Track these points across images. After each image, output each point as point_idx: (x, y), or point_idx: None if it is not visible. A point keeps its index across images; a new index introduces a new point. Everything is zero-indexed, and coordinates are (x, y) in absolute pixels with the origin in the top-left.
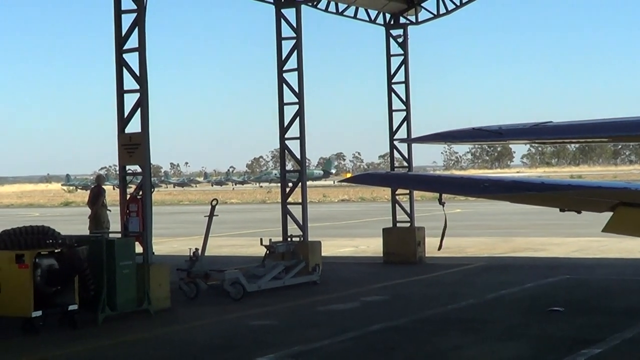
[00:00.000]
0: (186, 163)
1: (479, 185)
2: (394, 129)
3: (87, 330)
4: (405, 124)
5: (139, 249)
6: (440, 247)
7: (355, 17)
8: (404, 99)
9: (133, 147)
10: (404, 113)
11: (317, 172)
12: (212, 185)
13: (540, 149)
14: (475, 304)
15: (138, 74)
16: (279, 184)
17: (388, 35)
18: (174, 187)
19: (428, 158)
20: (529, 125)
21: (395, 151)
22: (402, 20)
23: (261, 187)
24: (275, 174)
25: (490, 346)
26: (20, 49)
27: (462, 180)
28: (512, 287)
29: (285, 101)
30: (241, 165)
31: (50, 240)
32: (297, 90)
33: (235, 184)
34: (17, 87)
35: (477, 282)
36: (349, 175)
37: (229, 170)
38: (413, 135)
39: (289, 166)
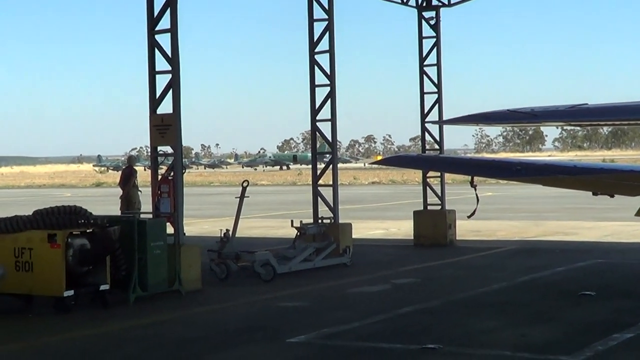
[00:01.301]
0: (217, 144)
1: (511, 168)
2: (426, 112)
3: (118, 310)
4: (437, 106)
5: (169, 229)
6: (471, 216)
7: None
8: (436, 82)
9: (165, 128)
10: (436, 96)
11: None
12: (242, 167)
13: (572, 132)
14: (506, 287)
15: (170, 55)
16: (276, 167)
17: (420, 17)
18: (204, 168)
19: (459, 141)
20: (563, 107)
21: (426, 134)
22: (434, 2)
23: (255, 169)
24: (270, 157)
25: (521, 330)
26: (52, 30)
27: (494, 163)
28: (543, 271)
29: (316, 83)
30: (272, 146)
31: (83, 220)
32: (328, 72)
33: (266, 166)
34: (49, 68)
35: (507, 265)
36: (379, 157)
37: (259, 151)
38: (444, 118)
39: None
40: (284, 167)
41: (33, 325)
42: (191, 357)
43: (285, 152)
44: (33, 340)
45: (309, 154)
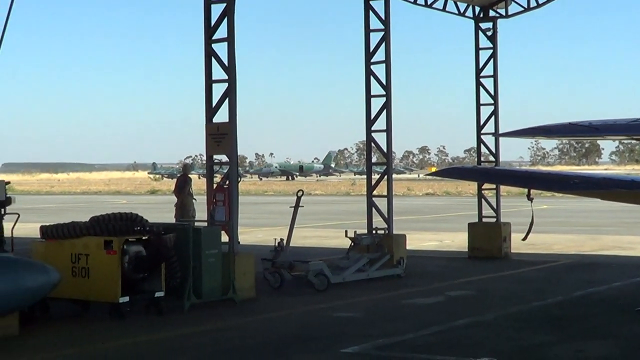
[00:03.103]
0: (271, 154)
1: (569, 181)
2: (482, 123)
3: (172, 317)
4: (492, 118)
5: (224, 238)
6: (525, 238)
7: (444, 9)
8: (492, 93)
9: (220, 136)
10: (492, 107)
11: (317, 166)
12: (318, 177)
13: (629, 145)
14: (561, 301)
15: (226, 64)
16: (282, 177)
17: (477, 28)
18: (259, 178)
19: (514, 153)
20: (624, 121)
21: (482, 145)
22: (491, 13)
23: (261, 179)
24: (276, 167)
25: (577, 344)
26: (109, 40)
27: (551, 176)
28: (599, 286)
29: (372, 93)
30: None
31: (138, 228)
32: (384, 82)
33: (320, 176)
34: (105, 77)
35: (563, 279)
36: (433, 169)
37: (313, 161)
38: (500, 130)
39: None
40: (290, 178)
41: (89, 330)
42: None
43: (292, 162)
44: (88, 346)
45: (315, 165)
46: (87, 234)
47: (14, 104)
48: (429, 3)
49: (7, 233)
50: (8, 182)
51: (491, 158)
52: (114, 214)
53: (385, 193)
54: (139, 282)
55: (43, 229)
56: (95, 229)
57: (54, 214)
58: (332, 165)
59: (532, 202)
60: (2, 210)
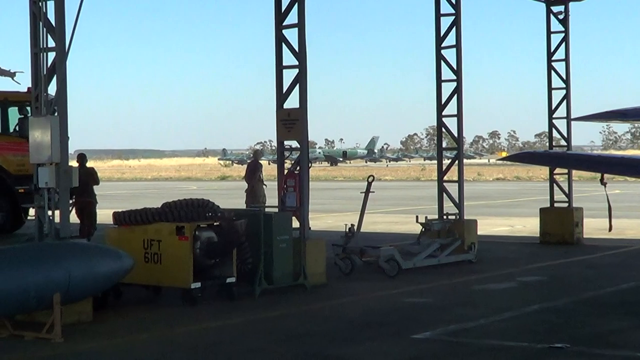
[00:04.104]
0: (341, 139)
1: None
2: (553, 108)
3: (244, 302)
4: (564, 102)
5: (295, 223)
6: (610, 229)
7: None
8: (564, 77)
9: (291, 122)
10: (564, 91)
11: (361, 151)
12: (366, 162)
13: None
14: (635, 287)
15: (297, 49)
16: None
17: (549, 11)
18: (329, 163)
19: (585, 137)
20: None
21: (553, 130)
22: None
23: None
24: (320, 152)
25: None
26: (178, 25)
27: (626, 160)
28: None
29: (443, 78)
30: (395, 141)
31: (210, 214)
32: (455, 67)
33: (390, 161)
34: (176, 63)
35: (637, 264)
36: (504, 154)
37: (382, 147)
38: (572, 115)
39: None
40: (333, 164)
41: (161, 316)
42: (316, 351)
43: (335, 148)
44: (161, 331)
45: (359, 150)
46: (159, 220)
47: (86, 92)
48: None
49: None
50: None
51: (562, 142)
52: (185, 200)
53: (455, 178)
54: (211, 267)
55: (116, 215)
56: (167, 215)
57: (126, 200)
58: (376, 150)
59: (605, 187)
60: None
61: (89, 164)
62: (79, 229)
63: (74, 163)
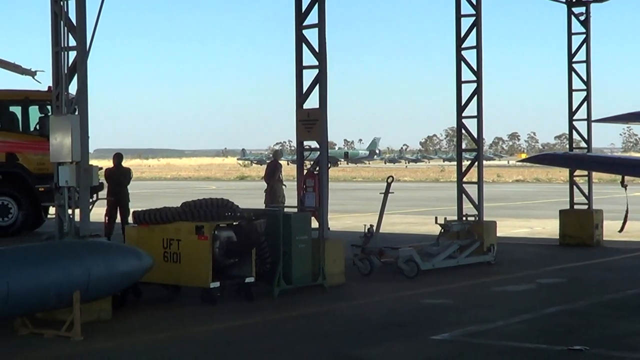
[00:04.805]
0: (360, 140)
1: None
2: (574, 109)
3: (262, 302)
4: (585, 104)
5: (314, 224)
6: (622, 229)
7: None
8: (585, 79)
9: (311, 123)
10: (584, 93)
11: (363, 152)
12: (385, 163)
13: None
14: None
15: (317, 50)
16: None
17: (570, 12)
18: (347, 163)
19: (605, 140)
20: None
21: (574, 132)
22: None
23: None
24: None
25: None
26: (198, 24)
27: None
28: None
29: (463, 79)
30: (414, 142)
31: (229, 213)
32: (475, 68)
33: (409, 162)
34: (195, 63)
35: None
36: (524, 155)
37: (402, 148)
38: (593, 116)
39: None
40: (333, 164)
41: (180, 315)
42: (334, 352)
43: (337, 149)
44: (180, 330)
45: (360, 151)
46: (178, 220)
47: (106, 91)
48: None
49: (100, 218)
50: (101, 168)
51: (582, 144)
52: (205, 200)
53: (474, 179)
54: (230, 267)
55: (135, 214)
56: (187, 214)
57: (146, 199)
58: (377, 150)
59: (626, 189)
60: (95, 195)
61: (108, 163)
62: (104, 227)
63: (94, 162)
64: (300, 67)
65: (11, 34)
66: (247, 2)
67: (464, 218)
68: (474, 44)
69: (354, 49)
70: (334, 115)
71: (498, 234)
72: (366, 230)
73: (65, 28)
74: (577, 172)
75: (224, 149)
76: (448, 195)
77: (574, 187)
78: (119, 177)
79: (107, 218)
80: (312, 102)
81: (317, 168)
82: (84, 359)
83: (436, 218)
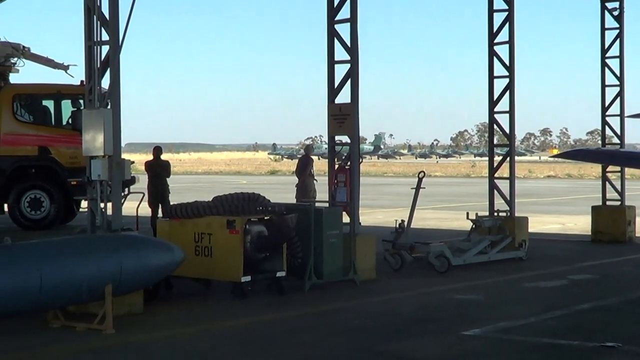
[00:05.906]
0: (391, 135)
1: None
2: (606, 105)
3: (293, 297)
4: (618, 99)
5: (345, 218)
6: None
7: None
8: (618, 74)
9: (343, 117)
10: (617, 88)
11: (367, 147)
12: (415, 158)
13: None
14: None
15: (349, 44)
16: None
17: (603, 7)
18: (377, 158)
19: (638, 135)
20: None
21: (606, 127)
22: None
23: (368, 159)
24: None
25: None
26: (231, 18)
27: None
28: None
29: (495, 74)
30: (445, 138)
31: (261, 208)
32: (507, 63)
33: (440, 157)
34: (227, 57)
35: None
36: (555, 151)
37: (433, 143)
38: (626, 112)
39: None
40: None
41: (211, 309)
42: (365, 347)
43: (367, 144)
44: (211, 324)
45: (365, 146)
46: (210, 214)
47: (138, 85)
48: None
49: (132, 212)
50: (132, 162)
51: (615, 140)
52: (236, 194)
53: (506, 175)
54: (261, 261)
55: (166, 208)
56: (218, 208)
57: (177, 193)
58: (382, 146)
59: None
60: (127, 189)
61: (140, 157)
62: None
63: (126, 156)
64: (332, 62)
65: (44, 28)
66: None
67: (496, 214)
68: (507, 39)
69: (386, 43)
70: (365, 110)
71: (529, 230)
72: (397, 226)
73: (98, 22)
74: (610, 168)
75: (254, 143)
76: (479, 190)
77: (607, 183)
78: (157, 170)
79: (151, 205)
80: (343, 96)
81: (349, 163)
82: (115, 352)
83: (468, 214)
